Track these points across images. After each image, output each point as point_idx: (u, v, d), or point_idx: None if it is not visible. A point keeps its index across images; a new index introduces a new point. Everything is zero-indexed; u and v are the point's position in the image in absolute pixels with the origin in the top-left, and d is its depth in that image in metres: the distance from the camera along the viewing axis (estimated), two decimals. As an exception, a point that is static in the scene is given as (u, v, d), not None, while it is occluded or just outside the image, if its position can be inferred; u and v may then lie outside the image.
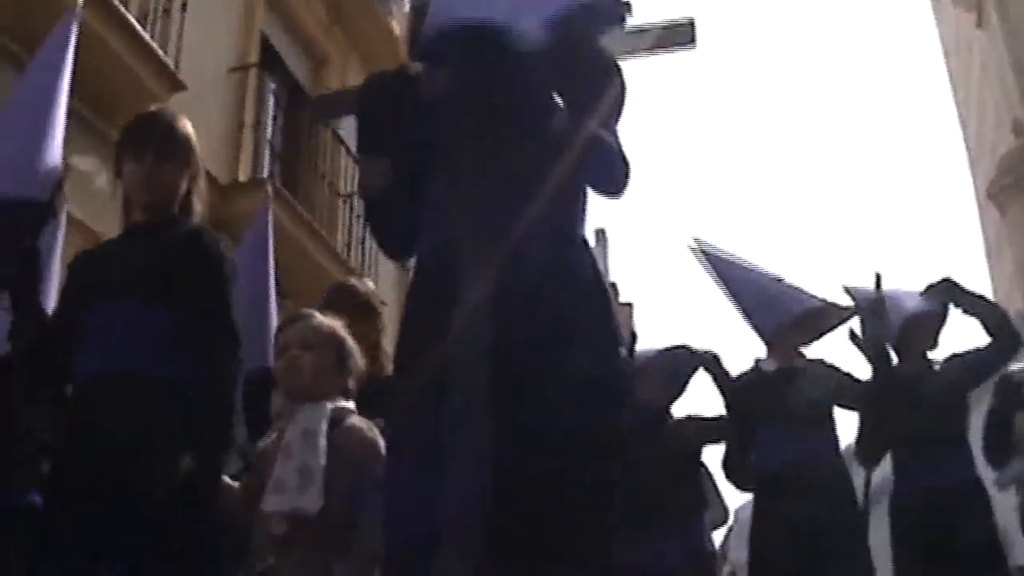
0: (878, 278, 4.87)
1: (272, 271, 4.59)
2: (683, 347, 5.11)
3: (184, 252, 2.96)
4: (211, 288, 2.94)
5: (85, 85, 5.65)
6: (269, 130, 10.76)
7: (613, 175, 2.21)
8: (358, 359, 3.35)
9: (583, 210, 2.24)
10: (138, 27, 7.73)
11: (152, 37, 7.99)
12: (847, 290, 5.07)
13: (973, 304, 4.90)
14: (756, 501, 4.95)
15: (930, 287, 4.97)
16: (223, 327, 2.91)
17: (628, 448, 4.52)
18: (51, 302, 3.24)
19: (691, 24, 2.00)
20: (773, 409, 4.74)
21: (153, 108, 3.31)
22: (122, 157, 3.12)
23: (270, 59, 10.96)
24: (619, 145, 2.20)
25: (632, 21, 2.07)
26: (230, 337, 2.91)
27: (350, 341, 3.35)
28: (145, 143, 3.08)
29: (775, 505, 4.65)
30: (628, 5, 2.04)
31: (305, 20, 11.64)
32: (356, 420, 3.20)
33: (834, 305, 4.99)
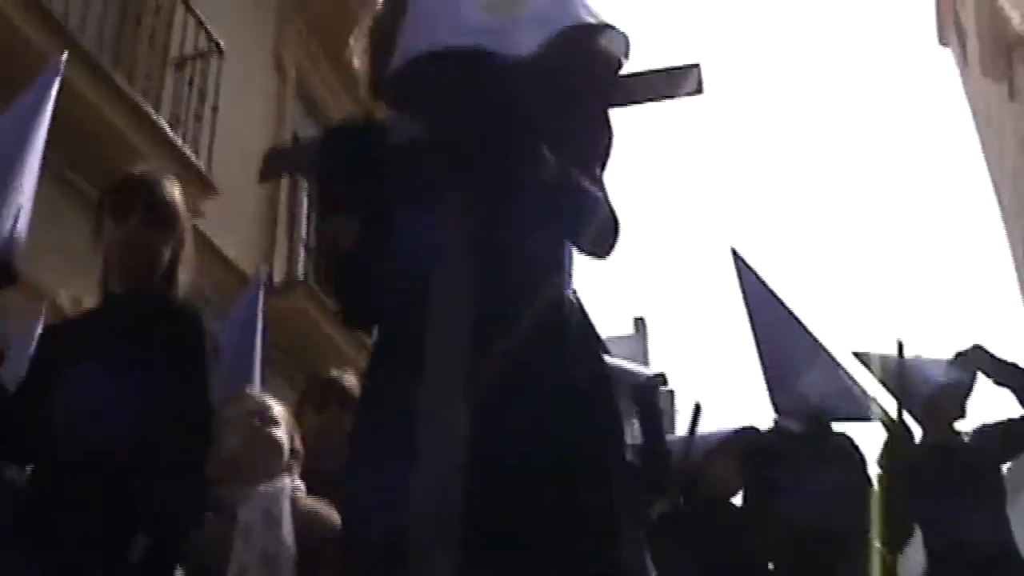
0: (900, 346, 4.73)
1: (258, 354, 4.36)
2: (752, 428, 4.94)
3: (164, 325, 2.77)
4: (190, 365, 2.74)
5: (116, 188, 5.60)
6: (304, 229, 10.71)
7: (603, 234, 2.04)
8: (300, 446, 3.18)
9: (569, 269, 2.08)
10: (168, 130, 7.73)
11: (183, 140, 7.98)
12: (858, 357, 4.91)
13: (1006, 373, 4.62)
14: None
15: (959, 354, 4.73)
16: (198, 406, 2.72)
17: (689, 531, 4.42)
18: None
19: (696, 68, 1.84)
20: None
21: (138, 169, 3.10)
22: (102, 219, 2.92)
23: (302, 158, 10.95)
24: (608, 201, 2.04)
25: (629, 65, 1.92)
26: (204, 418, 2.72)
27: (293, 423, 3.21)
28: (128, 205, 2.87)
29: None
30: (626, 39, 1.88)
31: (336, 118, 11.64)
32: (311, 501, 2.98)
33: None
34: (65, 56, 3.56)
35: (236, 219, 9.06)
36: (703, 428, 4.83)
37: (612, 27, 1.85)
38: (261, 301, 4.52)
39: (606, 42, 1.86)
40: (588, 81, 1.91)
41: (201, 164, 8.11)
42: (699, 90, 1.84)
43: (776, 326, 4.89)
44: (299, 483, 3.05)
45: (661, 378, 4.67)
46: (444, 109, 1.88)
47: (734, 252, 5.08)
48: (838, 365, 4.84)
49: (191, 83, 8.53)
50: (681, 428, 4.93)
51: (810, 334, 4.87)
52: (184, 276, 2.95)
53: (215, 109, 8.63)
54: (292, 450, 3.13)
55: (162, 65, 8.31)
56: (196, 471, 2.67)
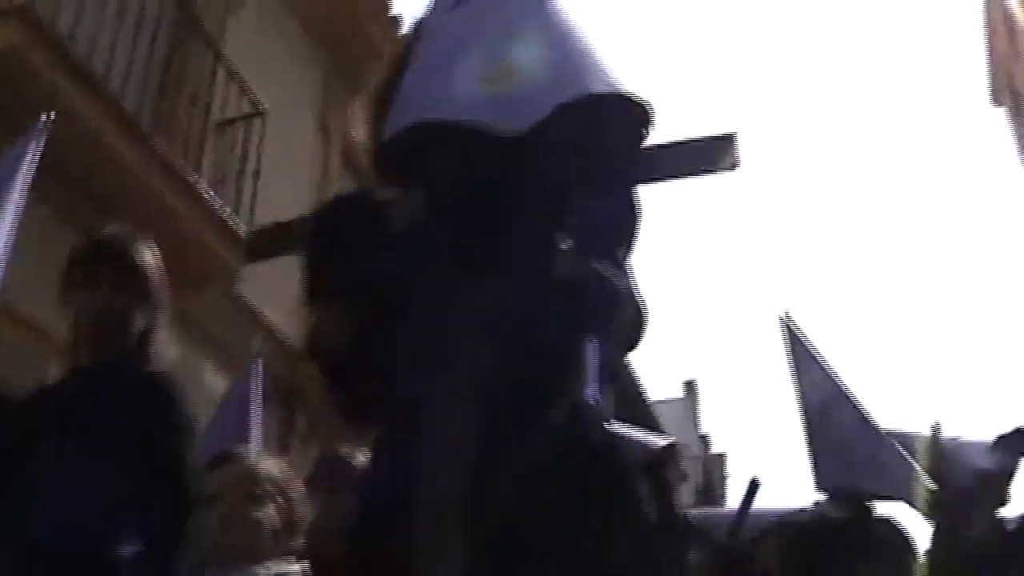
0: (936, 428, 4.58)
1: (256, 415, 4.35)
2: (805, 510, 4.69)
3: (136, 400, 2.56)
4: (164, 443, 2.54)
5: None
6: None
7: (629, 331, 1.84)
8: (304, 510, 2.87)
9: (591, 366, 1.82)
10: (207, 193, 7.68)
11: (224, 203, 7.89)
12: (892, 436, 4.66)
13: None
14: None
15: (1001, 437, 4.57)
16: (175, 490, 2.52)
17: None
18: None
19: (731, 140, 1.63)
20: None
21: (109, 231, 2.90)
22: (70, 286, 2.74)
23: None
24: (634, 290, 1.82)
25: (655, 135, 1.71)
26: (181, 503, 2.52)
27: (296, 486, 2.90)
28: (97, 271, 2.71)
29: None
30: (646, 110, 1.68)
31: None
32: None
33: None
34: (52, 116, 3.40)
35: (277, 284, 8.93)
36: (759, 504, 4.62)
37: (630, 95, 1.66)
38: (260, 371, 4.81)
39: (624, 112, 1.68)
40: (604, 157, 1.72)
41: (241, 228, 8.00)
42: (734, 165, 1.64)
43: (823, 398, 4.69)
44: (292, 568, 2.76)
45: (671, 449, 4.51)
46: (438, 190, 1.72)
47: (783, 319, 4.91)
48: (884, 442, 4.60)
49: (233, 147, 8.49)
50: (733, 495, 4.75)
51: (858, 408, 4.65)
52: (160, 346, 2.75)
53: (256, 173, 8.55)
54: (290, 522, 2.82)
55: (203, 128, 8.25)
56: (166, 564, 2.46)
